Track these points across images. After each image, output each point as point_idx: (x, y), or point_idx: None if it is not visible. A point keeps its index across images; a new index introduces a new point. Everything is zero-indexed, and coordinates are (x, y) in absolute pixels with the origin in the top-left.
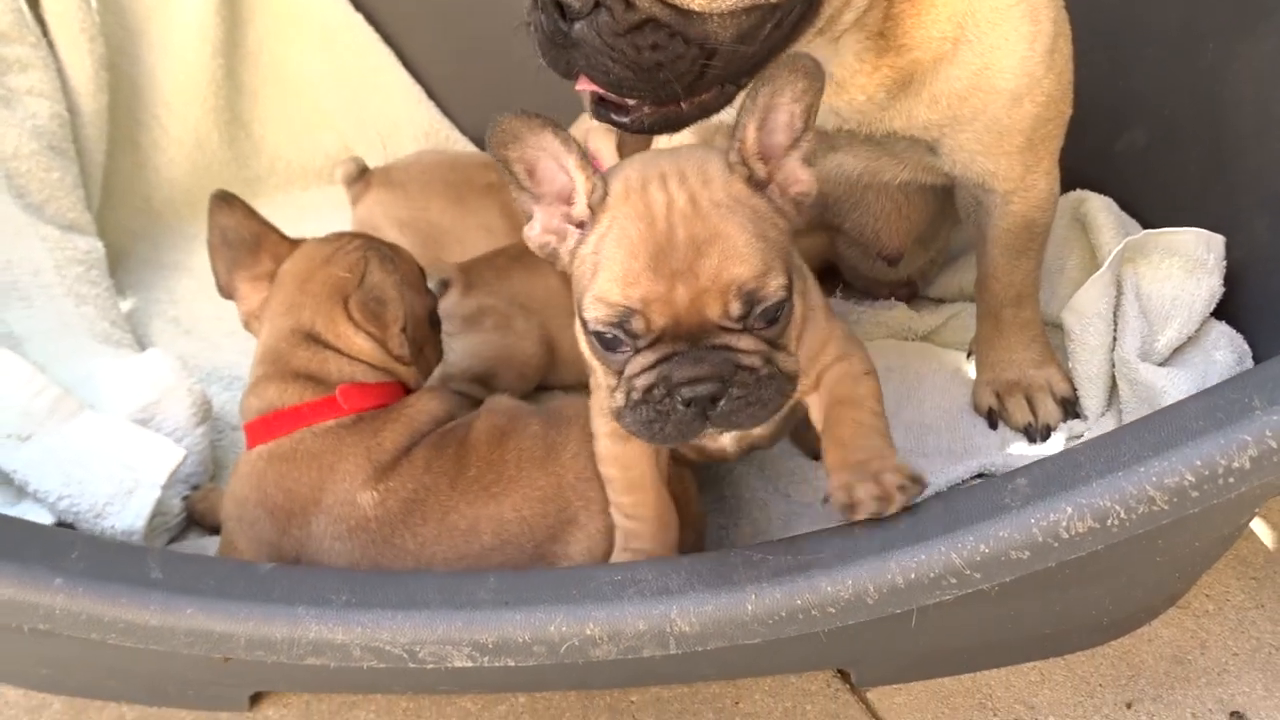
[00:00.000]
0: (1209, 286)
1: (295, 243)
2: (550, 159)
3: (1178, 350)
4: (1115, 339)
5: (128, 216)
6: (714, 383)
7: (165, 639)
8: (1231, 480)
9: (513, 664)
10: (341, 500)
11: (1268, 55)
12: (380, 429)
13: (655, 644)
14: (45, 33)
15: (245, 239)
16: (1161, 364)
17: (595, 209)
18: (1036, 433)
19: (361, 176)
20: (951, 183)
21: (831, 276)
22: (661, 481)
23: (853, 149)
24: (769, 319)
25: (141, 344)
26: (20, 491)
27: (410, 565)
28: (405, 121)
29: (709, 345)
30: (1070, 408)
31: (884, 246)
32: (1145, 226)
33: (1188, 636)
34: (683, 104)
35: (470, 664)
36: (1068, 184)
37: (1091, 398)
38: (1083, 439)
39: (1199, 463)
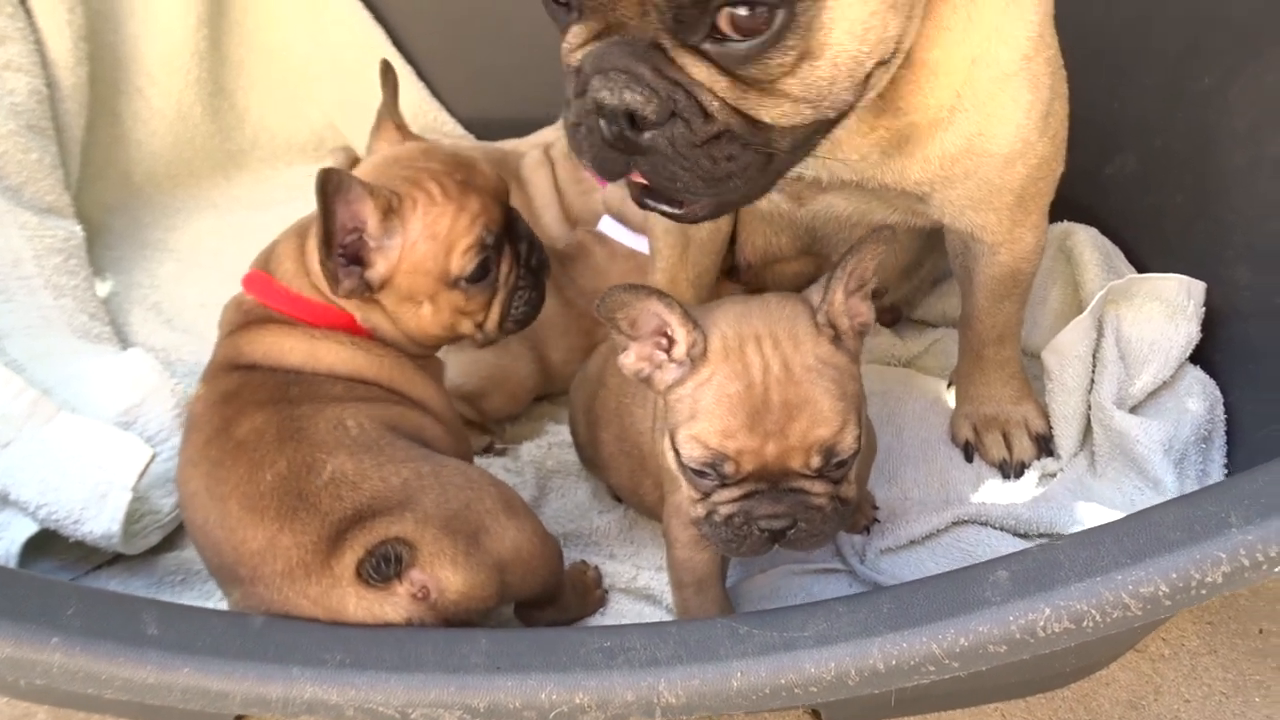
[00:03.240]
0: (1187, 333)
1: (406, 136)
2: (652, 315)
3: (1153, 394)
4: (1093, 381)
5: (107, 191)
6: (788, 519)
7: (161, 695)
8: (1204, 592)
9: None
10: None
11: (1267, 90)
12: (234, 331)
13: (642, 712)
14: (23, 2)
15: (379, 114)
16: (1136, 408)
17: (695, 360)
18: (1011, 469)
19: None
20: (940, 225)
21: None
22: (724, 582)
23: (843, 192)
24: (840, 464)
25: (121, 335)
26: (4, 500)
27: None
28: None
29: (786, 488)
30: (1045, 445)
31: None
32: (1129, 254)
33: (1143, 681)
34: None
35: None
36: (1056, 210)
37: (1066, 437)
38: (1056, 478)
39: (1174, 575)
